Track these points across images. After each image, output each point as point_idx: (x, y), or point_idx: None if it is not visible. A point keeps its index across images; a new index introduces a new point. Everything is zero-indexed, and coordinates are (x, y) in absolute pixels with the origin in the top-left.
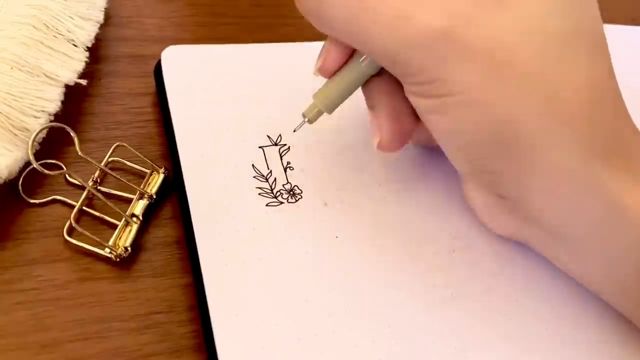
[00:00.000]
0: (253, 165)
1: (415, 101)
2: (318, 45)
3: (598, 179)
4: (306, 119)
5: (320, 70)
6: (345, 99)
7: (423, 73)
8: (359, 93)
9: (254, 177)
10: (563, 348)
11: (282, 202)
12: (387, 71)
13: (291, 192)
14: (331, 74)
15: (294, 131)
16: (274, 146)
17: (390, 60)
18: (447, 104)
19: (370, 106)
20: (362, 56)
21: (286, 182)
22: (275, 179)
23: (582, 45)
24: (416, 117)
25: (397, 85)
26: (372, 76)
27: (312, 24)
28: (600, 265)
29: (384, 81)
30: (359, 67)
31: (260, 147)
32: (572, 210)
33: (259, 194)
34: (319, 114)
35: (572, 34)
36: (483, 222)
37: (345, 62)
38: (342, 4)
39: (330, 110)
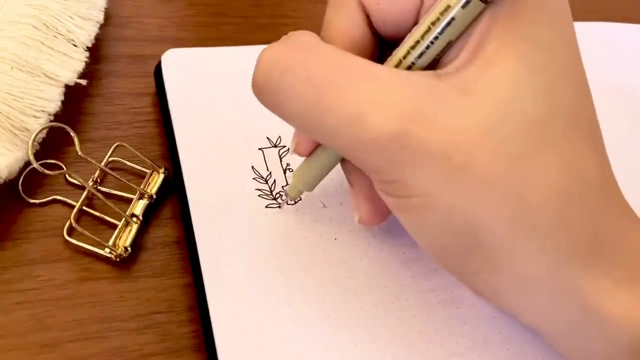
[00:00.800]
0: (253, 166)
1: (381, 195)
2: None
3: (572, 283)
4: (288, 197)
5: (296, 152)
6: (324, 176)
7: (381, 174)
8: None
9: (253, 178)
10: None
11: (281, 204)
12: None
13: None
14: (307, 154)
15: (280, 208)
16: (274, 148)
17: (347, 157)
18: (409, 206)
19: (349, 183)
20: None
21: (286, 183)
22: (274, 180)
23: (559, 129)
24: None
25: None
26: None
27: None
28: (583, 357)
29: None
30: (333, 150)
31: (259, 148)
32: (545, 312)
33: (259, 195)
34: (300, 192)
35: (546, 118)
36: None
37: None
38: (298, 100)
39: (311, 188)
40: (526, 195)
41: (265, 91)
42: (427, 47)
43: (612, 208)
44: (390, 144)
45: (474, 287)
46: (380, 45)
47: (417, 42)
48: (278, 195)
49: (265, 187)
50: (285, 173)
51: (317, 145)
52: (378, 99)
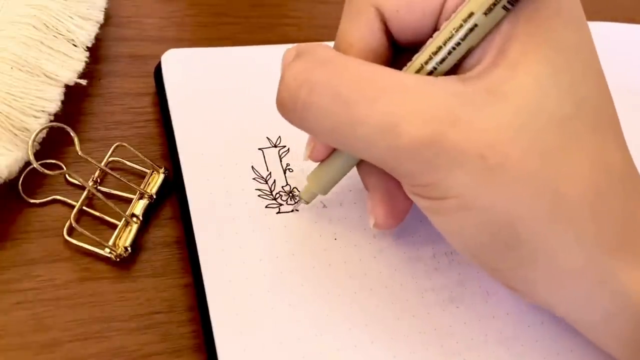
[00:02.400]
0: (252, 167)
1: (413, 199)
2: None
3: (607, 274)
4: (303, 200)
5: (311, 157)
6: (339, 180)
7: (415, 178)
8: None
9: (253, 178)
10: (560, 349)
11: (281, 204)
12: None
13: (290, 194)
14: (323, 159)
15: (294, 211)
16: (274, 148)
17: (379, 164)
18: (444, 207)
19: (365, 187)
20: None
21: (285, 183)
22: (274, 180)
23: (585, 125)
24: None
25: None
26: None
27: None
28: (621, 350)
29: (375, 165)
30: (350, 155)
31: (259, 148)
32: (581, 303)
33: (259, 195)
34: (314, 195)
35: (573, 114)
36: None
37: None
38: (328, 116)
39: (325, 192)
40: (561, 189)
41: (294, 111)
42: (449, 53)
43: (637, 200)
44: (424, 149)
45: (508, 283)
46: (394, 51)
47: (440, 47)
48: (278, 195)
49: (265, 187)
50: (285, 173)
51: (333, 150)
52: (408, 107)
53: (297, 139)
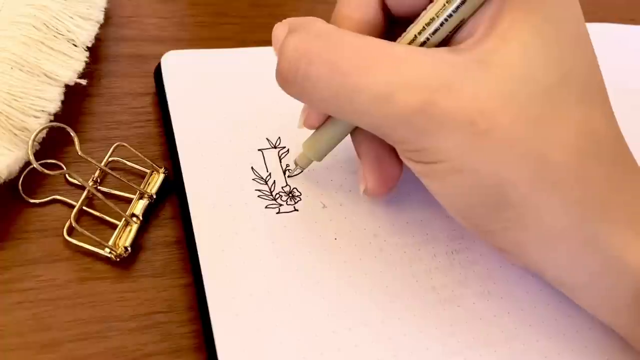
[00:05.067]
0: (252, 167)
1: (407, 163)
2: None
3: (595, 235)
4: (297, 167)
5: (305, 125)
6: (334, 147)
7: (409, 143)
8: None
9: (253, 179)
10: (562, 348)
11: (281, 205)
12: None
13: (290, 195)
14: (317, 127)
15: (288, 177)
16: (273, 149)
17: (374, 131)
18: (436, 171)
19: (357, 153)
20: None
21: (285, 184)
22: (274, 181)
23: (573, 93)
24: (401, 165)
25: None
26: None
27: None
28: (604, 310)
29: (368, 132)
30: (344, 122)
31: (259, 149)
32: (570, 265)
33: (259, 196)
34: (309, 162)
35: (560, 84)
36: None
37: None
38: (326, 87)
39: (320, 158)
40: (547, 155)
41: (293, 83)
42: (442, 24)
43: (625, 165)
44: (417, 116)
45: (499, 245)
46: (389, 24)
47: (432, 19)
48: (278, 195)
49: (265, 187)
50: (285, 174)
51: (327, 118)
52: (402, 76)
53: (297, 140)
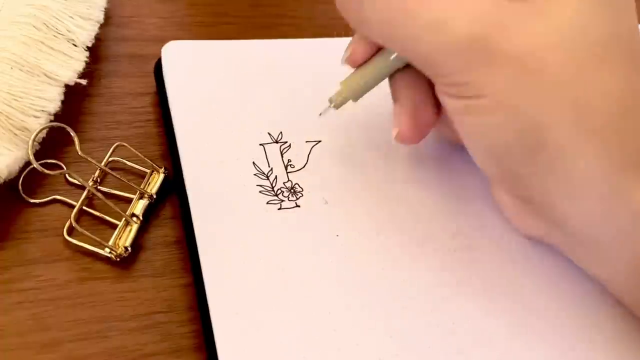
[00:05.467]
0: (254, 162)
1: (445, 101)
2: (320, 41)
3: (626, 189)
4: (332, 104)
5: (348, 61)
6: (371, 89)
7: (455, 76)
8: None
9: (254, 174)
10: (564, 344)
11: (282, 200)
12: (412, 66)
13: (292, 190)
14: (359, 65)
15: (320, 115)
16: (275, 144)
17: (423, 62)
18: (476, 106)
19: (394, 98)
20: (393, 52)
21: (287, 180)
22: (276, 177)
23: (619, 53)
24: (437, 112)
25: (422, 80)
26: (398, 69)
27: (349, 23)
28: (624, 272)
29: (408, 75)
30: (388, 61)
31: (261, 144)
32: (597, 217)
33: (260, 192)
34: (345, 100)
35: (610, 41)
36: (511, 222)
37: (374, 54)
38: (382, 6)
39: (357, 98)
40: (590, 100)
41: (351, 5)
42: None
43: None
44: (469, 46)
45: (526, 189)
46: None
47: None
48: (279, 191)
49: (267, 183)
50: (286, 169)
51: (370, 58)
52: (459, 7)
53: (299, 135)
